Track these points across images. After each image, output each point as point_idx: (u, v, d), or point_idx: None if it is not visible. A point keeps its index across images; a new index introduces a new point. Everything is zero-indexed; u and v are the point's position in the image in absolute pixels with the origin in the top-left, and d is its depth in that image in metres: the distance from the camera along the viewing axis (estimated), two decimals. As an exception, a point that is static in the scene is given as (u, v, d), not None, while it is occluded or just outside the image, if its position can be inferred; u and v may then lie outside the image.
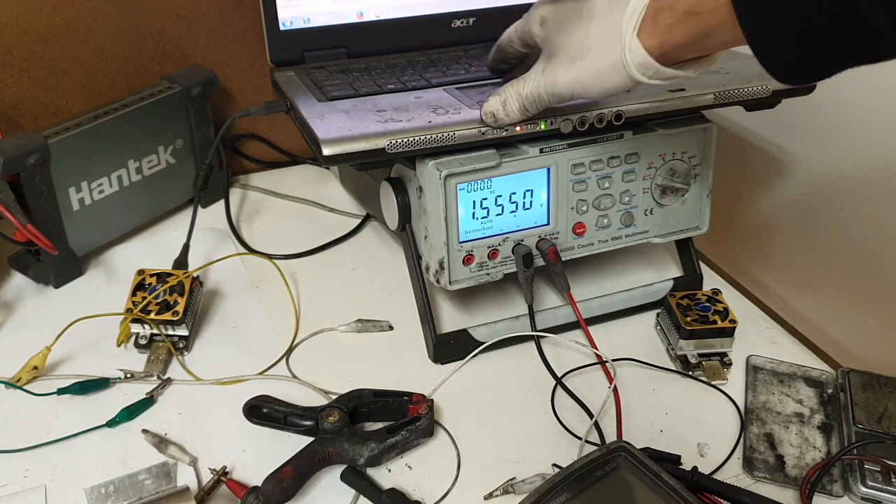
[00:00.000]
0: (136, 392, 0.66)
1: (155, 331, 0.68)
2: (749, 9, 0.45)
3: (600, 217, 0.71)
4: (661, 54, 0.51)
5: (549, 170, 0.68)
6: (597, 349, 0.70)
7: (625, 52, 0.52)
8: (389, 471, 0.60)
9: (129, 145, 0.82)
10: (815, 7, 0.42)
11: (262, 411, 0.61)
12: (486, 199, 0.66)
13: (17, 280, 0.79)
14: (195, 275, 0.72)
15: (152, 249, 0.84)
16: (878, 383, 0.66)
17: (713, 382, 0.68)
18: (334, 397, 0.65)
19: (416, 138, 0.62)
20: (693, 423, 0.65)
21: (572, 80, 0.57)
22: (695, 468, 0.57)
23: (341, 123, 0.63)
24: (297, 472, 0.56)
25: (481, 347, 0.70)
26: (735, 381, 0.69)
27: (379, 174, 0.73)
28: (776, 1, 0.44)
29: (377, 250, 0.86)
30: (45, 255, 0.74)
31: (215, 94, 0.90)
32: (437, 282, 0.68)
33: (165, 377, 0.67)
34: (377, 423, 0.62)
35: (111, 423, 0.62)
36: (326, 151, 0.60)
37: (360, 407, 0.62)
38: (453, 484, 0.59)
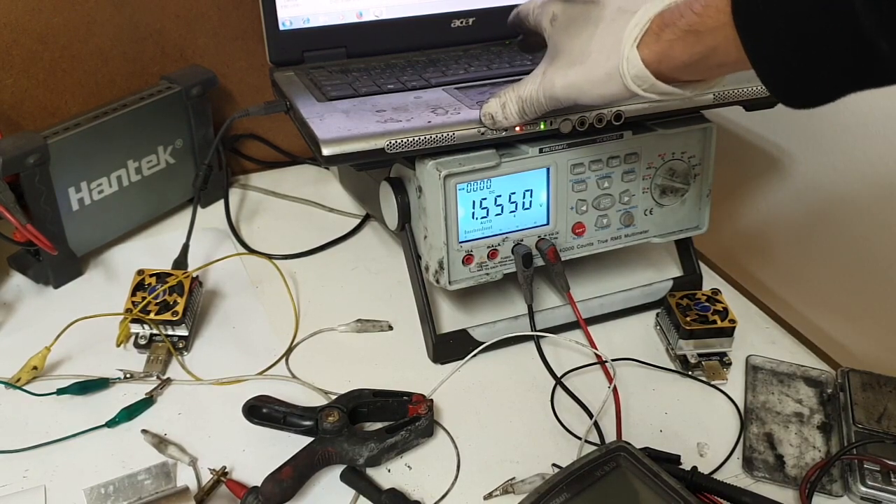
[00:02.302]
0: (135, 392, 0.65)
1: (154, 331, 0.68)
2: (751, 30, 0.45)
3: (600, 217, 0.71)
4: (658, 70, 0.51)
5: (548, 170, 0.68)
6: (596, 349, 0.70)
7: (622, 62, 0.52)
8: (389, 471, 0.60)
9: (129, 145, 0.82)
10: (817, 29, 0.42)
11: (262, 411, 0.61)
12: (485, 199, 0.66)
13: (17, 280, 0.79)
14: (195, 275, 0.72)
15: (152, 249, 0.84)
16: (878, 383, 0.66)
17: (713, 382, 0.68)
18: (334, 397, 0.65)
19: (416, 138, 0.62)
20: (693, 423, 0.65)
21: (569, 84, 0.56)
22: (694, 468, 0.57)
23: (341, 123, 0.63)
24: (297, 472, 0.56)
25: (481, 347, 0.70)
26: (735, 380, 0.69)
27: (379, 174, 0.73)
28: (778, 22, 0.43)
29: (377, 250, 0.86)
30: (45, 255, 0.73)
31: (215, 94, 0.90)
32: (437, 282, 0.68)
33: (165, 377, 0.67)
34: (377, 423, 0.62)
35: (111, 424, 0.62)
36: (326, 151, 0.60)
37: (359, 407, 0.62)
38: (453, 484, 0.59)
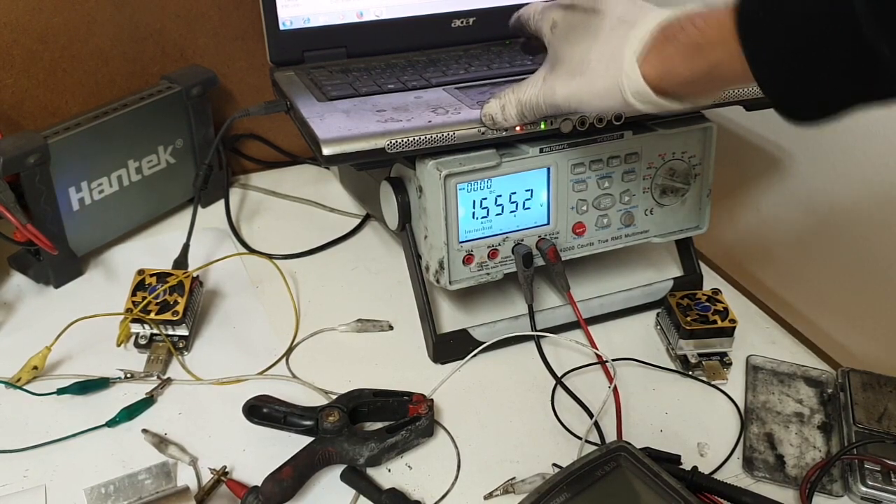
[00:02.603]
0: (135, 392, 0.65)
1: (155, 331, 0.68)
2: (753, 38, 0.44)
3: (600, 217, 0.71)
4: (658, 85, 0.51)
5: (548, 170, 0.68)
6: (597, 349, 0.70)
7: (622, 77, 0.51)
8: (389, 471, 0.60)
9: (129, 145, 0.82)
10: (818, 32, 0.41)
11: (262, 411, 0.61)
12: (485, 198, 0.66)
13: (17, 280, 0.79)
14: (195, 275, 0.72)
15: (152, 249, 0.84)
16: (878, 383, 0.66)
17: (713, 382, 0.68)
18: (334, 397, 0.65)
19: (416, 138, 0.62)
20: (693, 423, 0.65)
21: (570, 94, 0.56)
22: (695, 468, 0.57)
23: (341, 123, 0.63)
24: (297, 472, 0.56)
25: (481, 347, 0.70)
26: (735, 380, 0.69)
27: (379, 174, 0.73)
28: (778, 26, 0.43)
29: (377, 250, 0.86)
30: (45, 255, 0.73)
31: (215, 94, 0.90)
32: (437, 282, 0.68)
33: (165, 377, 0.67)
34: (377, 423, 0.62)
35: (111, 423, 0.62)
36: (326, 151, 0.60)
37: (359, 407, 0.62)
38: (453, 484, 0.59)
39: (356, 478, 0.58)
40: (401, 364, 0.70)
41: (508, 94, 0.62)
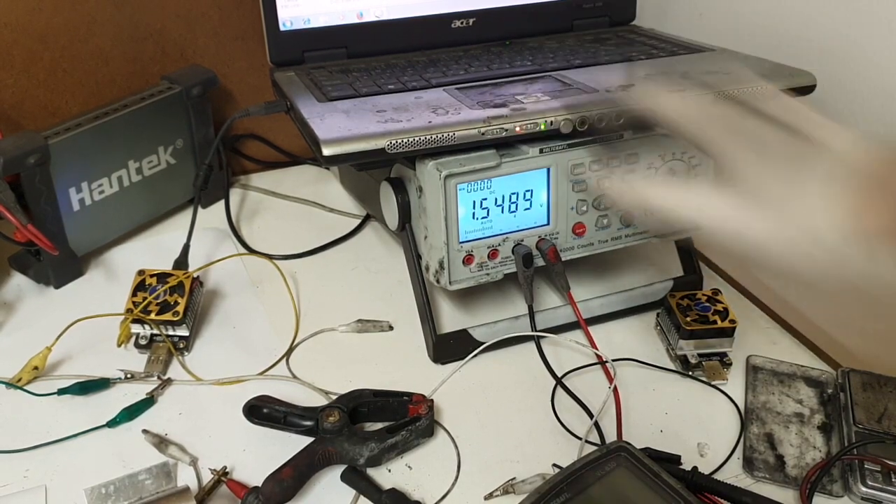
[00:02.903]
0: (136, 392, 0.66)
1: (155, 331, 0.69)
2: None
3: (600, 217, 0.71)
4: (868, 235, 0.42)
5: (548, 170, 0.68)
6: (597, 349, 0.70)
7: (826, 224, 0.43)
8: (389, 471, 0.60)
9: (129, 145, 0.82)
10: None
11: (262, 411, 0.61)
12: (485, 199, 0.66)
13: (18, 280, 0.79)
14: (195, 275, 0.72)
15: (152, 249, 0.84)
16: (878, 383, 0.66)
17: (713, 382, 0.69)
18: (334, 397, 0.65)
19: (416, 138, 0.62)
20: (693, 423, 0.65)
21: (750, 232, 0.47)
22: (695, 468, 0.57)
23: (341, 123, 0.63)
24: (297, 472, 0.56)
25: (481, 347, 0.70)
26: (735, 381, 0.69)
27: (379, 174, 0.73)
28: None
29: (377, 250, 0.86)
30: (46, 255, 0.74)
31: (215, 94, 0.90)
32: (437, 282, 0.68)
33: (165, 377, 0.67)
34: (377, 423, 0.63)
35: (111, 424, 0.62)
36: (326, 151, 0.60)
37: (360, 407, 0.62)
38: (453, 484, 0.59)
39: (356, 478, 0.58)
40: (401, 364, 0.70)
41: (643, 187, 0.54)
